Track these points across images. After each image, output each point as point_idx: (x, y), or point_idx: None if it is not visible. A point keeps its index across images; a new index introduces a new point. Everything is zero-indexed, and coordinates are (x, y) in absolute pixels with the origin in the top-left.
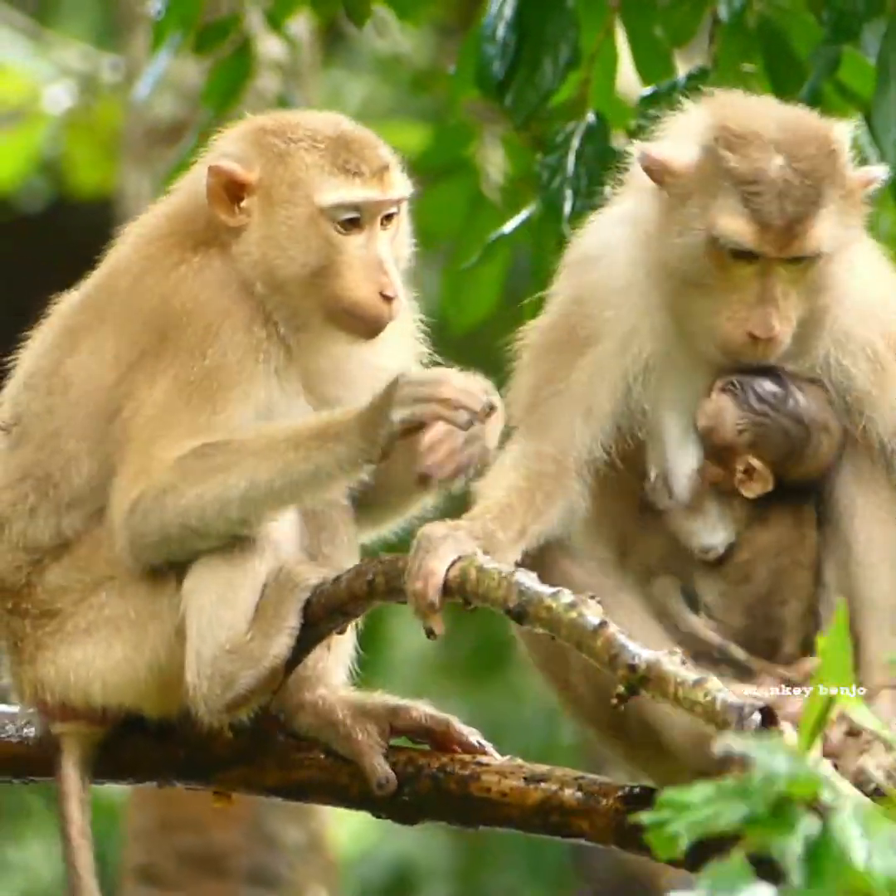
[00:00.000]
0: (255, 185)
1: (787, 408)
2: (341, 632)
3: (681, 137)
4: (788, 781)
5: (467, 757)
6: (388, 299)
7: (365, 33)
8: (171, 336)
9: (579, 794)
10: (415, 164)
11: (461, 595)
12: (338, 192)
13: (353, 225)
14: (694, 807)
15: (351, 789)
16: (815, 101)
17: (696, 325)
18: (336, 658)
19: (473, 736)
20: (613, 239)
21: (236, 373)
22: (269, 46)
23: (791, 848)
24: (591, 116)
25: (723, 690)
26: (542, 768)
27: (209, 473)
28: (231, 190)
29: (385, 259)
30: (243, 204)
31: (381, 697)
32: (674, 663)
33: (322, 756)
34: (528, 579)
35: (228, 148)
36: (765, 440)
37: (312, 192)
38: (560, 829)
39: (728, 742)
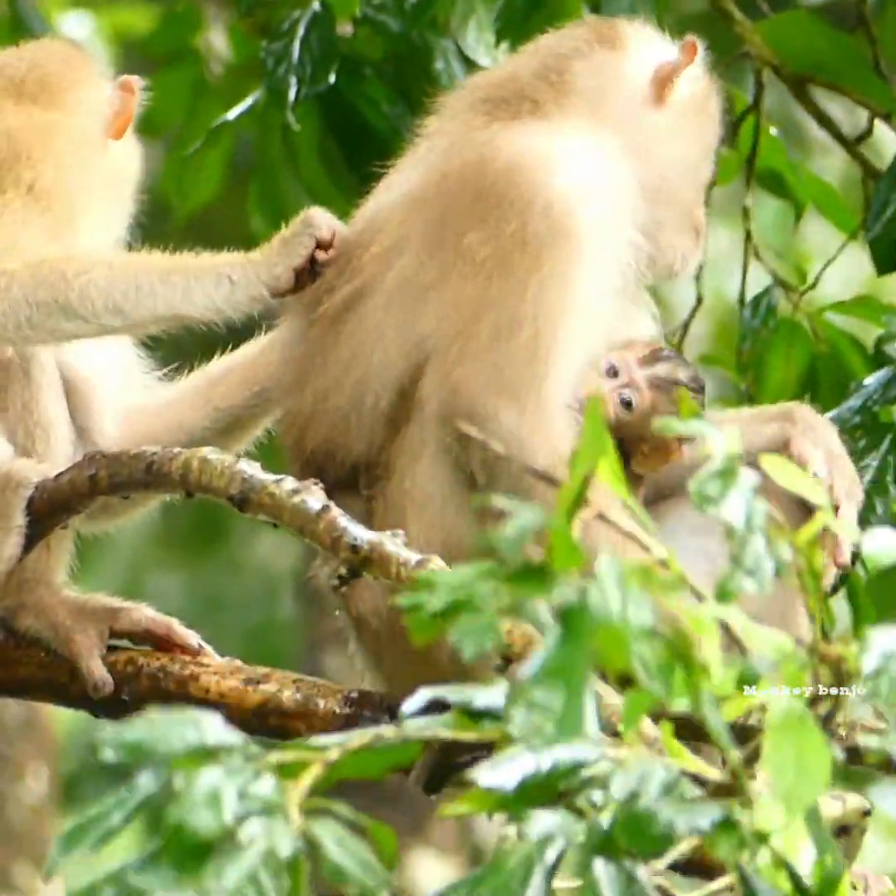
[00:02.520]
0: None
1: (674, 358)
2: (65, 527)
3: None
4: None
5: (187, 657)
6: None
7: None
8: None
9: (298, 695)
10: (140, 47)
11: (184, 487)
12: None
13: None
14: (449, 585)
15: (71, 688)
16: None
17: (676, 235)
18: (56, 558)
19: (194, 638)
20: (606, 161)
21: (83, 201)
22: None
23: (543, 609)
24: (316, 4)
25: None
26: (261, 670)
27: (93, 270)
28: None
29: None
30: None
31: (101, 599)
32: (396, 544)
33: (42, 654)
34: (251, 468)
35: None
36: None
37: None
38: (278, 730)
39: (491, 499)
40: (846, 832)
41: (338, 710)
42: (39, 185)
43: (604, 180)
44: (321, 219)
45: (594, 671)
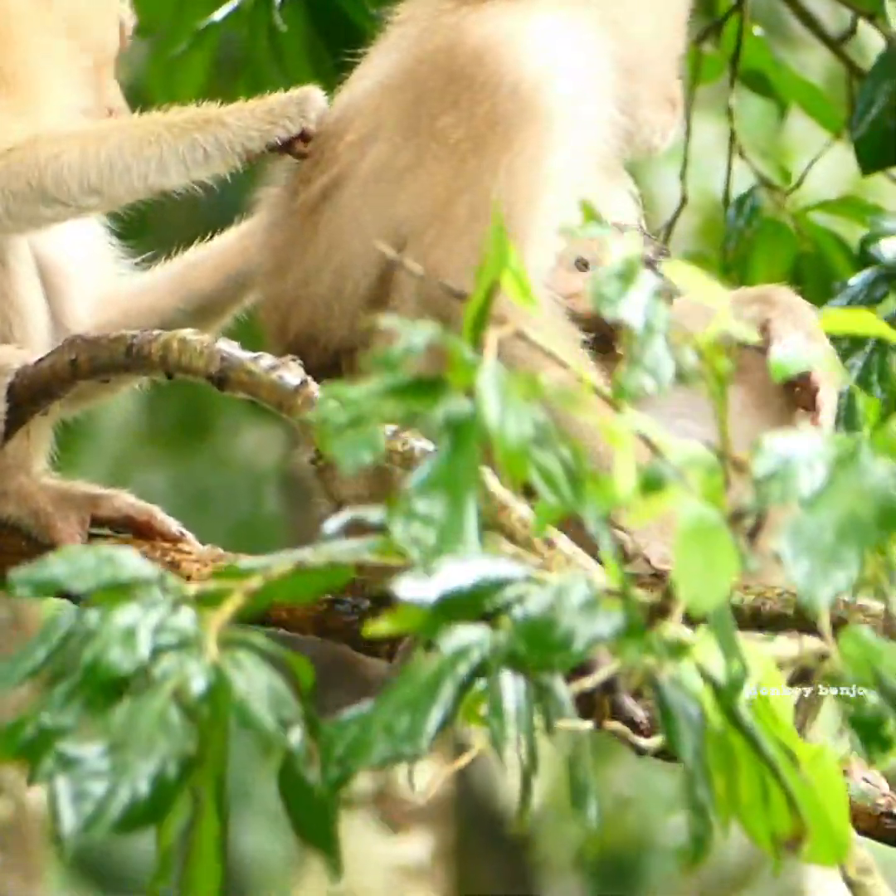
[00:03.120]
0: None
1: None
2: (45, 413)
3: None
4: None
5: (168, 545)
6: None
7: None
8: None
9: None
10: None
11: (163, 368)
12: None
13: None
14: (352, 399)
15: None
16: None
17: (653, 110)
18: (36, 444)
19: (174, 525)
20: (579, 37)
21: (48, 75)
22: None
23: (434, 419)
24: None
25: (421, 440)
26: (243, 558)
27: (74, 141)
28: None
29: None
30: None
31: (82, 486)
32: None
33: (23, 543)
34: (229, 346)
35: None
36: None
37: None
38: (259, 617)
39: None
40: (806, 679)
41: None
42: (4, 67)
43: (576, 56)
44: (317, 107)
45: (484, 483)
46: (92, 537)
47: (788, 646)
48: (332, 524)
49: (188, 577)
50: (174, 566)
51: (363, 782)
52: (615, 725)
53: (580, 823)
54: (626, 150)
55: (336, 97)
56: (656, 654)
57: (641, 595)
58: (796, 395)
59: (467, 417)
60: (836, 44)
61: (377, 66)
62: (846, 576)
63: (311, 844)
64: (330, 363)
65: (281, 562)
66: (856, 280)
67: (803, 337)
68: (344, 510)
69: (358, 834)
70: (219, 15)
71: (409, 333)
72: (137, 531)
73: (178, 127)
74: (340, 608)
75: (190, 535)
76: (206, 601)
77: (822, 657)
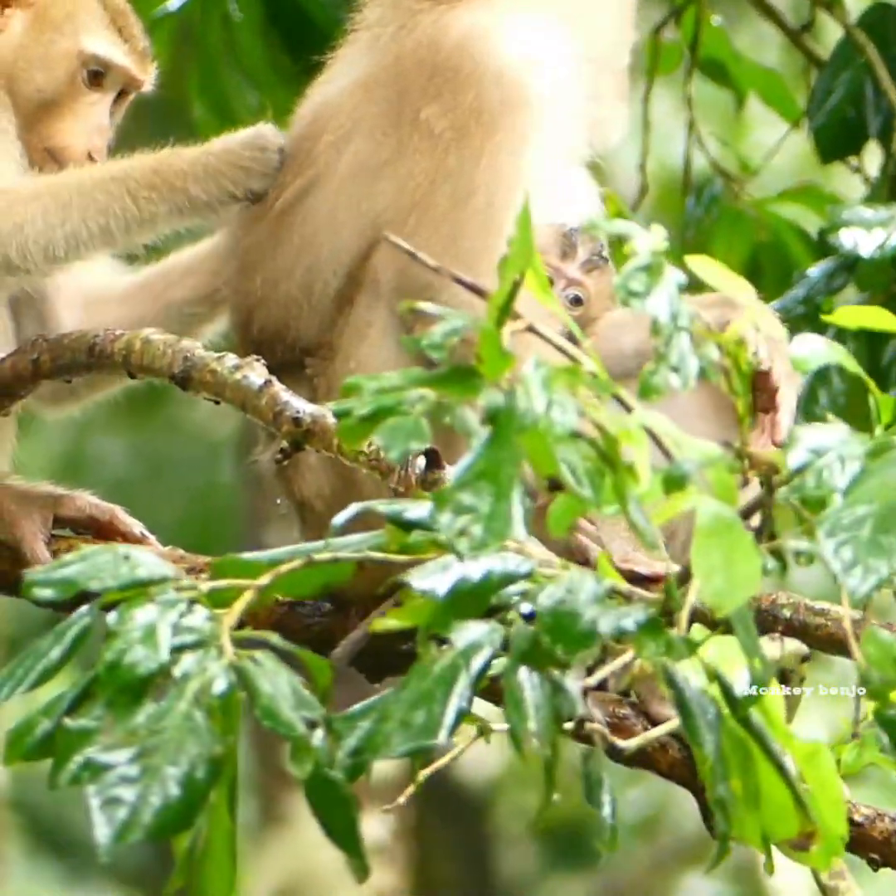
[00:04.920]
0: (30, 1)
1: (578, 232)
2: (6, 414)
3: None
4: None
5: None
6: (91, 161)
7: None
8: None
9: None
10: None
11: (126, 368)
12: (105, 45)
13: (96, 82)
14: (377, 389)
15: (10, 575)
16: None
17: (612, 101)
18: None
19: (137, 526)
20: (552, 32)
21: None
22: None
23: (470, 415)
24: None
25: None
26: (203, 559)
27: (40, 202)
28: None
29: (105, 126)
30: (6, 12)
31: (45, 487)
32: None
33: None
34: (192, 346)
35: None
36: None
37: (82, 31)
38: None
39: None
40: (785, 680)
41: (280, 596)
42: None
43: (553, 49)
44: (276, 145)
45: (521, 475)
46: (54, 537)
47: (771, 647)
48: (340, 518)
49: None
50: None
51: None
52: (595, 727)
53: (597, 819)
54: (591, 142)
55: (307, 100)
56: (676, 651)
57: (645, 595)
58: (755, 397)
59: (508, 408)
60: (795, 34)
61: (351, 67)
62: (888, 564)
63: (339, 846)
64: (296, 361)
65: (289, 557)
66: (815, 270)
67: (764, 339)
68: (304, 508)
69: None
70: (174, 4)
71: (450, 319)
72: (99, 531)
73: (143, 195)
74: (301, 611)
75: (152, 537)
76: (216, 599)
77: (803, 659)
